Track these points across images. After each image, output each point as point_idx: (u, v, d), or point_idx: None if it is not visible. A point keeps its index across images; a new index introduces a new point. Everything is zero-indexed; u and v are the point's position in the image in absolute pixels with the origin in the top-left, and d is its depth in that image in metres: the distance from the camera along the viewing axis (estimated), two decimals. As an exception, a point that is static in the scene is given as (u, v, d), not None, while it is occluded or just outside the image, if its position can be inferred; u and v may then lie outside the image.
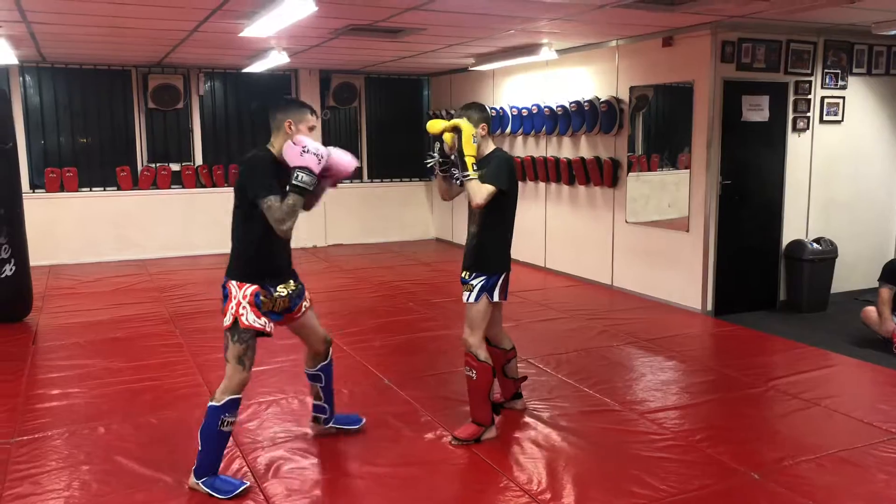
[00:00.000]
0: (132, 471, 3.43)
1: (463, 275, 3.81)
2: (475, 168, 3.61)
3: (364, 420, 3.94)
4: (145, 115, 9.38)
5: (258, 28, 5.73)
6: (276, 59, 7.74)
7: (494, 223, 3.79)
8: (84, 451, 3.65)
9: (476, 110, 3.75)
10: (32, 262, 6.32)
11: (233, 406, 3.21)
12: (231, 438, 3.73)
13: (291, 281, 3.42)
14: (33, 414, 4.14)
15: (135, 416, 4.12)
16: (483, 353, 3.72)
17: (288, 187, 3.08)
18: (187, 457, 3.53)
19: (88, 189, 9.14)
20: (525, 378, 4.26)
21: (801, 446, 3.72)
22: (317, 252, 9.86)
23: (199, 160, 9.65)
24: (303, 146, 3.09)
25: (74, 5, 5.25)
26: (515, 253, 9.43)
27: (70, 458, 3.59)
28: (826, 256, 6.51)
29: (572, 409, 4.22)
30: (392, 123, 10.71)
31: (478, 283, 3.72)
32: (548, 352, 5.26)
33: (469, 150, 3.60)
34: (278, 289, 3.31)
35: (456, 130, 3.65)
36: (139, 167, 9.36)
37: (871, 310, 5.54)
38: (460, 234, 10.12)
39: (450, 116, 9.81)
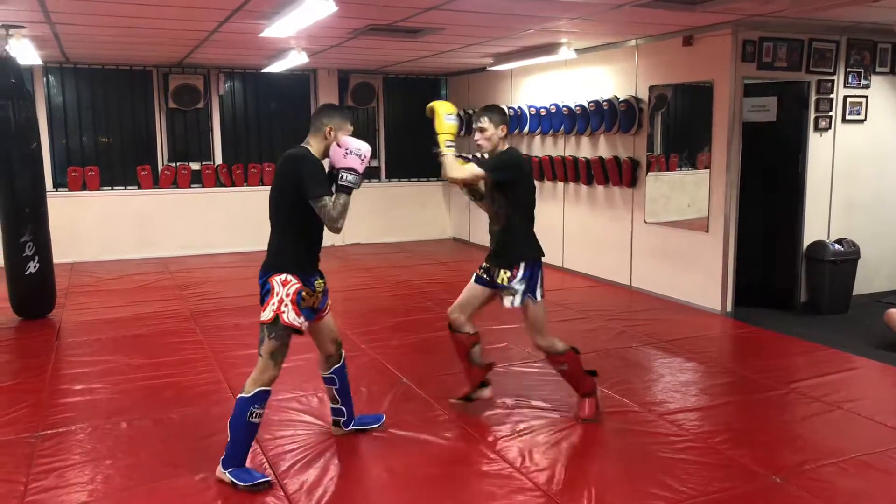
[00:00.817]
0: (154, 466, 3.47)
1: (500, 279, 3.82)
2: (449, 144, 3.70)
3: (384, 416, 3.96)
4: (166, 114, 9.47)
5: (278, 28, 5.76)
6: (295, 59, 7.79)
7: (509, 217, 3.85)
8: (107, 446, 3.70)
9: (498, 112, 3.85)
10: (55, 260, 6.40)
11: (262, 397, 3.27)
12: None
13: (321, 278, 3.48)
14: (57, 409, 4.20)
15: (156, 411, 4.16)
16: (561, 345, 3.86)
17: (335, 188, 3.23)
18: (207, 453, 3.57)
19: (110, 188, 9.24)
20: (492, 365, 4.21)
21: (823, 450, 3.68)
22: (335, 251, 9.89)
23: (218, 160, 9.73)
24: (346, 148, 3.24)
25: (98, 6, 5.31)
26: (533, 253, 9.25)
27: (93, 452, 3.64)
28: (848, 258, 6.44)
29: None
30: (410, 123, 10.71)
31: (520, 286, 3.77)
32: (566, 352, 5.24)
33: (442, 128, 3.68)
34: (316, 283, 3.38)
35: (432, 112, 3.73)
36: (160, 166, 9.46)
37: (893, 312, 5.48)
38: (477, 234, 10.14)
39: (468, 116, 9.83)
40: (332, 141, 3.30)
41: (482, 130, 3.82)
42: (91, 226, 9.04)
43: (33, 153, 6.04)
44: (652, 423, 4.03)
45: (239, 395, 3.28)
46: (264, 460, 3.54)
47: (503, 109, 3.92)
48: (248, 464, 3.37)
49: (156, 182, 9.38)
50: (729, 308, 6.29)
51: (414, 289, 7.45)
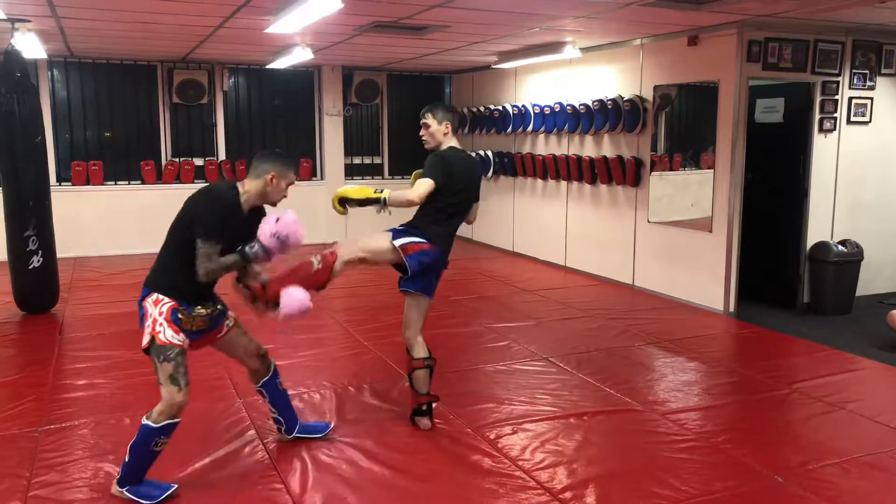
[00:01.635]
0: (157, 461, 3.46)
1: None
2: (378, 190, 3.65)
3: (331, 425, 3.85)
4: (170, 109, 9.47)
5: (283, 24, 5.76)
6: (299, 56, 7.78)
7: (432, 220, 3.74)
8: (110, 441, 3.71)
9: (442, 108, 3.85)
10: (59, 254, 6.40)
11: (170, 429, 3.12)
12: (255, 431, 3.78)
13: (213, 303, 3.32)
14: (60, 404, 4.21)
15: (159, 407, 4.16)
16: (339, 268, 3.60)
17: (238, 249, 3.10)
18: (210, 448, 3.58)
19: (113, 182, 9.25)
20: (433, 398, 3.93)
21: (826, 450, 3.68)
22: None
23: (222, 155, 9.73)
24: (275, 232, 3.08)
25: (104, 1, 5.31)
26: (535, 251, 9.37)
27: (96, 447, 3.65)
28: (851, 259, 6.43)
29: (593, 408, 4.21)
30: (413, 121, 10.49)
31: (401, 228, 3.67)
32: (569, 351, 5.25)
33: (359, 195, 3.65)
34: (197, 309, 3.20)
35: (342, 204, 3.69)
36: (163, 161, 9.46)
37: (896, 313, 5.48)
38: (479, 232, 10.14)
39: (473, 114, 9.80)
40: (272, 189, 3.16)
41: (426, 126, 3.82)
42: (94, 220, 9.05)
43: (37, 147, 6.03)
44: (654, 422, 4.03)
45: (145, 422, 3.09)
46: (266, 456, 3.55)
47: (449, 107, 3.90)
48: (250, 464, 3.36)
49: (159, 177, 9.38)
50: (732, 308, 6.29)
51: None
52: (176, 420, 3.13)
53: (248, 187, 3.18)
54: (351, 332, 5.80)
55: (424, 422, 3.90)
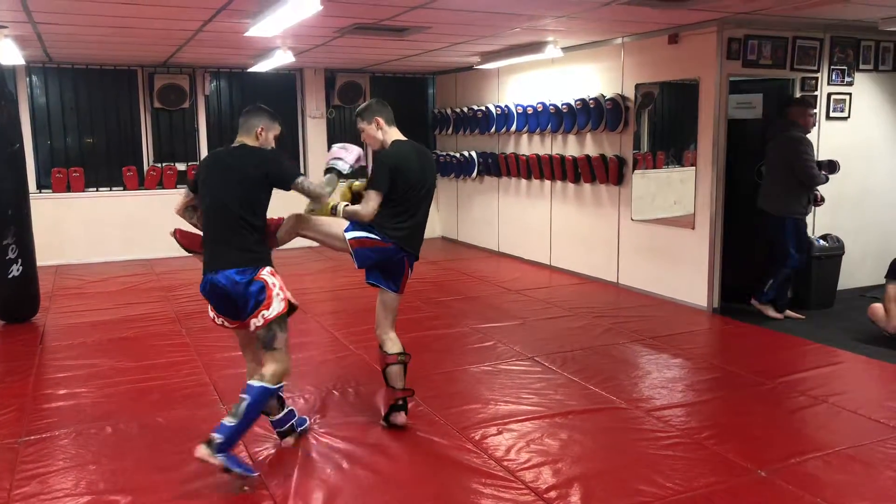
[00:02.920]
0: (139, 471, 3.45)
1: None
2: (335, 210, 3.71)
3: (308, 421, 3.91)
4: (151, 114, 9.41)
5: (263, 27, 5.73)
6: (281, 59, 7.75)
7: (391, 218, 3.72)
8: (91, 451, 3.67)
9: (368, 107, 3.84)
10: (39, 263, 6.34)
11: (279, 392, 3.44)
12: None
13: None
14: (41, 414, 4.16)
15: (142, 415, 4.13)
16: (285, 229, 3.69)
17: (326, 169, 3.68)
18: (193, 455, 3.54)
19: (95, 189, 9.17)
20: (409, 392, 3.91)
21: (809, 444, 3.71)
22: (322, 251, 9.86)
23: (204, 160, 9.67)
24: (333, 155, 3.73)
25: (80, 5, 5.27)
26: (520, 251, 9.38)
27: (77, 457, 3.61)
28: (833, 253, 6.48)
29: (578, 406, 4.21)
30: (397, 122, 10.67)
31: (359, 225, 3.66)
32: (553, 349, 5.26)
33: (324, 213, 3.73)
34: None
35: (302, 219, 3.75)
36: (145, 167, 9.39)
37: (877, 306, 5.52)
38: (466, 233, 10.15)
39: (456, 115, 9.79)
40: (262, 142, 3.47)
41: (361, 131, 3.84)
42: (76, 228, 8.97)
43: (16, 154, 5.97)
44: (639, 419, 4.04)
45: (259, 384, 3.24)
46: (249, 461, 3.52)
47: (378, 101, 3.85)
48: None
49: (141, 183, 9.32)
50: (715, 304, 6.32)
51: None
52: (284, 383, 3.42)
53: (246, 141, 3.49)
54: (335, 335, 5.78)
55: (401, 417, 3.87)
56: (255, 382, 3.26)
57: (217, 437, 3.15)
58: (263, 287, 3.26)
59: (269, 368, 3.30)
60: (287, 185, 3.39)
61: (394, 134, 3.82)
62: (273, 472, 3.43)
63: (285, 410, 3.70)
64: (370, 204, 3.63)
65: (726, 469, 3.43)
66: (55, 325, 6.10)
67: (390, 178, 3.64)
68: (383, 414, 3.96)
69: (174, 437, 3.83)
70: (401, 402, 3.88)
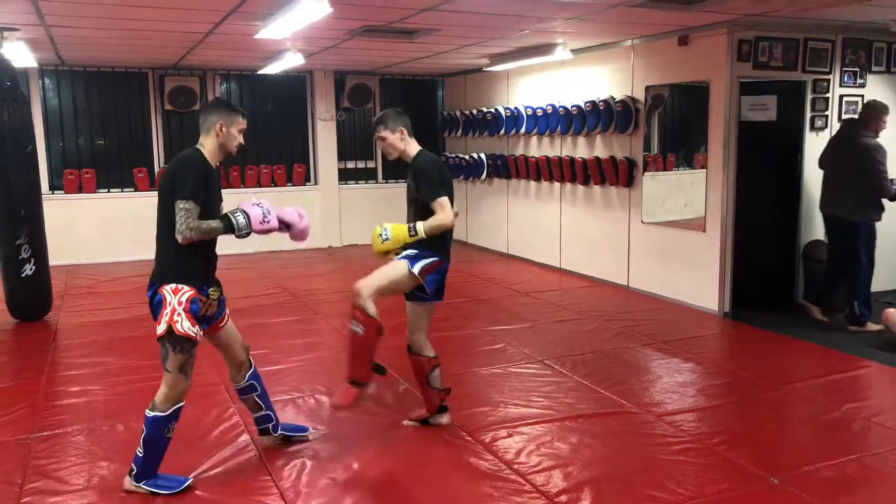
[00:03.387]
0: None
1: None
2: (413, 232, 3.61)
3: (310, 430, 3.85)
4: (162, 116, 9.46)
5: (273, 30, 5.75)
6: (291, 61, 7.77)
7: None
8: (103, 448, 3.69)
9: (392, 116, 3.75)
10: (52, 262, 6.40)
11: (177, 414, 3.21)
12: (249, 437, 3.76)
13: (217, 286, 3.35)
14: (53, 411, 4.19)
15: (152, 415, 4.14)
16: (373, 308, 3.52)
17: (221, 216, 3.19)
18: (205, 455, 3.56)
19: (106, 190, 9.22)
20: (449, 390, 4.00)
21: (822, 451, 3.68)
22: (332, 252, 9.89)
23: (215, 161, 9.70)
24: (261, 207, 3.21)
25: (92, 8, 5.30)
26: (530, 253, 9.34)
27: (89, 454, 3.63)
28: (845, 257, 6.43)
29: (588, 410, 4.20)
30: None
31: (412, 252, 3.63)
32: (563, 353, 5.24)
33: (395, 243, 3.65)
34: (210, 291, 3.24)
35: (387, 254, 3.71)
36: (156, 168, 9.44)
37: (892, 312, 5.48)
38: (474, 235, 10.14)
39: (465, 117, 9.80)
40: (224, 139, 3.20)
41: (382, 140, 3.75)
42: (87, 228, 9.02)
43: (29, 156, 6.02)
44: (650, 424, 4.02)
45: (152, 414, 3.17)
46: (261, 462, 3.53)
47: (397, 111, 3.80)
48: (244, 468, 3.36)
49: (152, 184, 9.35)
50: (727, 308, 6.29)
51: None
52: (182, 403, 3.21)
53: (205, 143, 3.22)
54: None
55: (447, 418, 3.95)
56: (147, 412, 3.19)
57: (133, 468, 3.22)
58: (161, 302, 3.15)
59: (159, 392, 3.20)
60: (169, 200, 3.08)
61: (414, 144, 3.80)
62: (284, 473, 3.43)
63: (264, 412, 3.65)
64: (447, 210, 3.60)
65: (738, 475, 3.41)
66: (67, 324, 6.14)
67: (447, 182, 3.68)
68: (421, 417, 3.98)
69: (184, 435, 3.81)
70: (446, 404, 3.95)
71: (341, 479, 3.41)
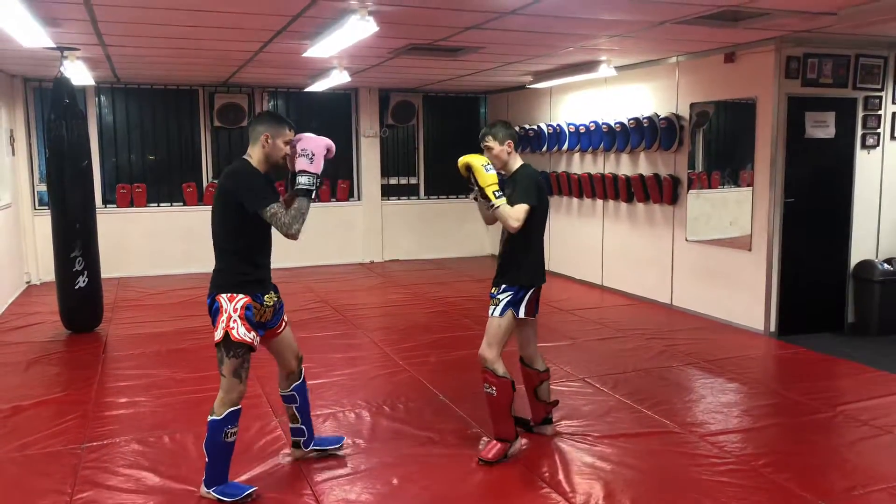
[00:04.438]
0: (194, 479, 3.52)
1: (492, 290, 3.79)
2: (498, 195, 3.62)
3: (344, 438, 3.89)
4: (211, 132, 9.69)
5: (321, 48, 5.87)
6: (337, 79, 7.91)
7: (523, 238, 3.71)
8: (149, 459, 3.77)
9: (501, 127, 3.79)
10: (103, 275, 6.58)
11: (234, 418, 3.27)
12: (290, 449, 3.80)
13: (274, 293, 3.43)
14: (102, 421, 4.30)
15: (197, 425, 4.20)
16: (501, 368, 3.64)
17: (292, 192, 3.27)
18: (247, 468, 3.62)
19: (156, 204, 9.47)
20: (556, 402, 4.12)
21: (872, 475, 3.57)
22: (373, 267, 9.97)
23: (261, 177, 9.89)
24: (296, 151, 3.24)
25: (148, 29, 5.48)
26: (572, 270, 9.29)
27: (136, 465, 3.71)
28: (897, 277, 6.26)
29: (630, 430, 4.15)
30: (449, 141, 10.77)
31: (505, 297, 3.70)
32: (605, 371, 5.19)
33: (485, 180, 3.61)
34: (265, 298, 3.32)
35: (468, 168, 3.67)
36: (204, 183, 9.66)
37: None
38: (516, 251, 10.10)
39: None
40: (270, 149, 3.24)
41: (489, 149, 3.76)
42: (138, 241, 9.27)
43: (84, 171, 6.22)
44: (693, 444, 3.95)
45: (210, 419, 3.26)
46: (302, 475, 3.57)
47: (507, 123, 3.85)
48: (284, 479, 3.39)
49: (200, 199, 9.58)
50: (773, 328, 6.16)
51: (452, 306, 7.46)
52: (238, 407, 3.27)
53: (252, 153, 3.29)
54: (386, 351, 5.82)
55: (551, 429, 4.05)
56: (208, 417, 3.29)
57: (206, 474, 3.33)
58: (218, 309, 3.25)
59: (217, 397, 3.28)
60: (252, 211, 3.17)
61: (518, 159, 3.83)
62: (325, 488, 3.46)
63: (298, 425, 3.69)
64: (520, 215, 3.62)
65: (784, 499, 3.33)
66: (117, 336, 6.30)
67: (541, 198, 3.71)
68: (533, 424, 4.06)
69: (228, 448, 3.90)
70: (551, 416, 4.06)
71: (381, 494, 3.42)
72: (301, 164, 3.23)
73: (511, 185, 3.74)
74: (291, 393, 3.64)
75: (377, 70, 7.91)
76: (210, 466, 3.31)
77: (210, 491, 3.31)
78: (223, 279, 3.27)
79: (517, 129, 9.58)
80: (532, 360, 4.00)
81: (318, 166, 3.25)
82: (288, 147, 3.29)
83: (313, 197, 3.23)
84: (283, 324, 3.54)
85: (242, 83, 9.30)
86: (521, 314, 3.70)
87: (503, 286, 3.73)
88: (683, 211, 7.06)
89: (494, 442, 3.70)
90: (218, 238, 3.30)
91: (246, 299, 3.23)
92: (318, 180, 3.26)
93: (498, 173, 3.72)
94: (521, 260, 3.74)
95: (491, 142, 3.76)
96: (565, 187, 8.80)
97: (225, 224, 3.26)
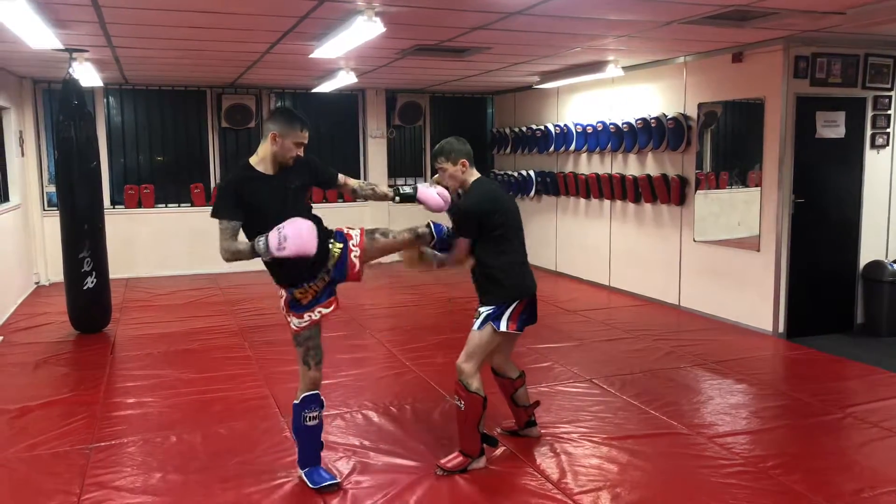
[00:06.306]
0: (202, 480, 3.53)
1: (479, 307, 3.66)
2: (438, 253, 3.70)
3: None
4: (218, 133, 9.72)
5: (327, 49, 5.88)
6: (344, 80, 7.92)
7: (495, 252, 3.59)
8: (157, 459, 3.78)
9: (454, 146, 3.64)
10: (111, 275, 6.60)
11: (310, 402, 3.39)
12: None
13: (326, 257, 3.32)
14: (110, 421, 4.32)
15: (205, 425, 4.24)
16: (475, 384, 3.54)
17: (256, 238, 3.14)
18: (254, 467, 3.62)
19: (164, 205, 9.50)
20: (537, 403, 4.05)
21: (881, 477, 3.55)
22: (381, 268, 9.97)
23: (268, 177, 9.91)
24: (279, 227, 3.07)
25: (157, 30, 5.50)
26: (579, 271, 9.25)
27: (144, 465, 3.72)
28: (908, 278, 6.22)
29: (637, 431, 4.13)
30: (456, 141, 10.79)
31: (485, 311, 3.59)
32: (612, 372, 5.18)
33: (421, 260, 3.75)
34: (309, 283, 3.32)
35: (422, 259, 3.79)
36: (212, 184, 9.68)
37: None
38: (523, 252, 10.09)
39: (514, 134, 9.79)
40: (278, 148, 3.20)
41: (443, 170, 3.67)
42: (146, 242, 9.30)
43: (93, 172, 6.25)
44: (701, 446, 3.94)
45: (293, 403, 3.44)
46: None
47: (460, 140, 3.66)
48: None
49: (208, 199, 9.60)
50: (781, 329, 6.13)
51: (459, 306, 7.44)
52: (314, 391, 3.40)
53: (260, 151, 3.27)
54: (393, 351, 5.82)
55: (537, 430, 4.05)
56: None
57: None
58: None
59: None
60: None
61: (474, 174, 3.68)
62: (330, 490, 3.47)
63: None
64: (466, 240, 3.60)
65: (793, 500, 3.31)
66: (125, 336, 6.32)
67: (489, 211, 3.55)
68: (511, 428, 4.08)
69: (235, 447, 3.91)
70: (534, 418, 4.05)
71: (383, 494, 3.41)
72: (271, 239, 3.04)
73: (456, 208, 3.67)
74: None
75: (384, 71, 7.92)
76: (299, 449, 3.50)
77: (301, 472, 3.48)
78: (272, 275, 3.38)
79: (524, 129, 9.59)
80: (503, 369, 3.91)
81: (277, 255, 3.05)
82: (299, 149, 3.26)
83: (252, 254, 3.16)
84: (356, 263, 3.40)
85: (250, 84, 9.32)
86: (502, 328, 3.55)
87: (483, 304, 3.62)
88: (691, 211, 7.04)
89: (458, 453, 3.64)
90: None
91: (286, 295, 3.37)
92: (270, 259, 3.12)
93: (457, 193, 3.70)
94: (496, 274, 3.59)
95: (444, 163, 3.63)
96: (572, 188, 8.78)
97: (244, 226, 3.29)
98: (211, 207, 3.24)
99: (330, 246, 3.36)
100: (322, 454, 3.57)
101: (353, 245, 3.42)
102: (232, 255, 3.19)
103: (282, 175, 3.27)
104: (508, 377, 3.94)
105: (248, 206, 3.18)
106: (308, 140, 3.30)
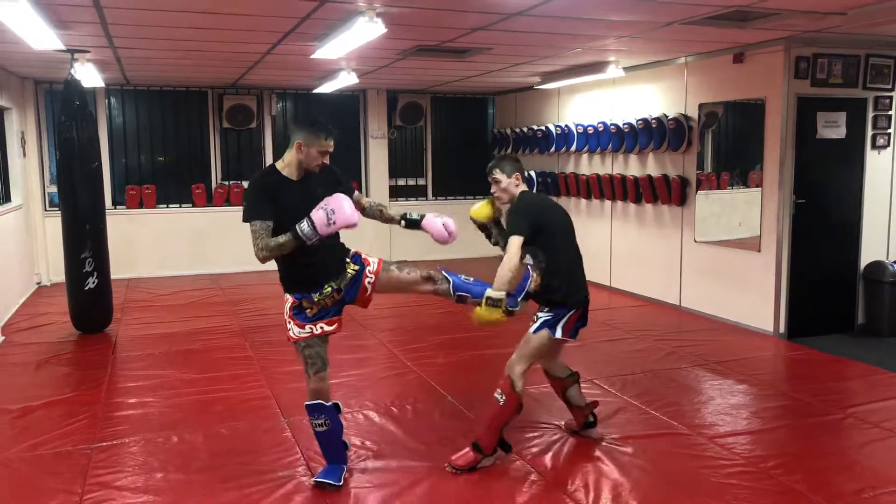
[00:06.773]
0: (203, 480, 3.54)
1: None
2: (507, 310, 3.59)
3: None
4: (220, 134, 9.72)
5: (329, 50, 5.89)
6: (345, 80, 7.93)
7: (554, 260, 3.71)
8: (158, 459, 3.79)
9: (509, 161, 3.78)
10: (113, 276, 6.60)
11: (313, 410, 3.39)
12: (298, 450, 3.81)
13: (339, 277, 3.41)
14: (112, 421, 4.32)
15: (206, 425, 4.24)
16: (520, 385, 3.59)
17: (292, 228, 3.16)
18: (255, 467, 3.63)
19: (165, 206, 9.51)
20: (595, 404, 4.08)
21: (882, 477, 3.55)
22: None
23: (269, 178, 9.92)
24: (323, 206, 3.14)
25: (158, 31, 5.51)
26: (580, 272, 9.11)
27: (145, 465, 3.73)
28: (908, 278, 6.22)
29: (638, 432, 4.14)
30: (457, 142, 10.79)
31: (543, 316, 3.69)
32: (613, 373, 5.18)
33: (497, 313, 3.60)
34: (324, 289, 3.35)
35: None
36: (213, 185, 9.70)
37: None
38: (524, 252, 10.10)
39: (516, 135, 9.79)
40: (304, 157, 3.26)
41: (496, 182, 3.74)
42: (147, 243, 9.30)
43: (94, 172, 6.26)
44: (701, 446, 3.94)
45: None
46: (308, 476, 3.57)
47: (514, 158, 3.84)
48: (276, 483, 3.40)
49: (209, 200, 9.62)
50: (782, 329, 6.13)
51: (461, 307, 7.43)
52: (315, 402, 3.39)
53: (286, 158, 3.35)
54: (394, 352, 5.82)
55: (596, 432, 4.03)
56: None
57: None
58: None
59: None
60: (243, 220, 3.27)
61: (522, 187, 3.79)
62: (333, 489, 3.47)
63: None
64: (511, 250, 3.63)
65: (793, 501, 3.32)
66: (126, 336, 6.33)
67: (534, 218, 3.65)
68: (571, 428, 4.09)
69: (236, 447, 3.92)
70: (592, 419, 4.04)
71: (385, 493, 3.42)
72: (318, 216, 3.12)
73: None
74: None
75: (385, 71, 7.92)
76: (324, 451, 3.54)
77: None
78: (281, 281, 3.42)
79: (525, 129, 9.60)
80: (551, 369, 4.03)
81: (325, 232, 3.15)
82: (324, 157, 3.33)
83: (296, 241, 3.16)
84: (367, 287, 3.49)
85: (251, 85, 9.33)
86: (558, 335, 3.67)
87: (544, 308, 3.71)
88: (692, 212, 7.04)
89: (469, 450, 3.63)
90: None
91: (292, 301, 3.36)
92: (316, 240, 3.18)
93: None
94: (551, 282, 3.70)
95: (499, 174, 3.73)
96: (573, 188, 8.78)
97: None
98: (242, 211, 3.25)
99: (346, 265, 3.45)
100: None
101: (370, 272, 3.51)
102: (271, 252, 3.21)
103: (307, 181, 3.34)
104: (558, 377, 4.01)
105: (277, 209, 3.24)
106: (334, 147, 3.35)
